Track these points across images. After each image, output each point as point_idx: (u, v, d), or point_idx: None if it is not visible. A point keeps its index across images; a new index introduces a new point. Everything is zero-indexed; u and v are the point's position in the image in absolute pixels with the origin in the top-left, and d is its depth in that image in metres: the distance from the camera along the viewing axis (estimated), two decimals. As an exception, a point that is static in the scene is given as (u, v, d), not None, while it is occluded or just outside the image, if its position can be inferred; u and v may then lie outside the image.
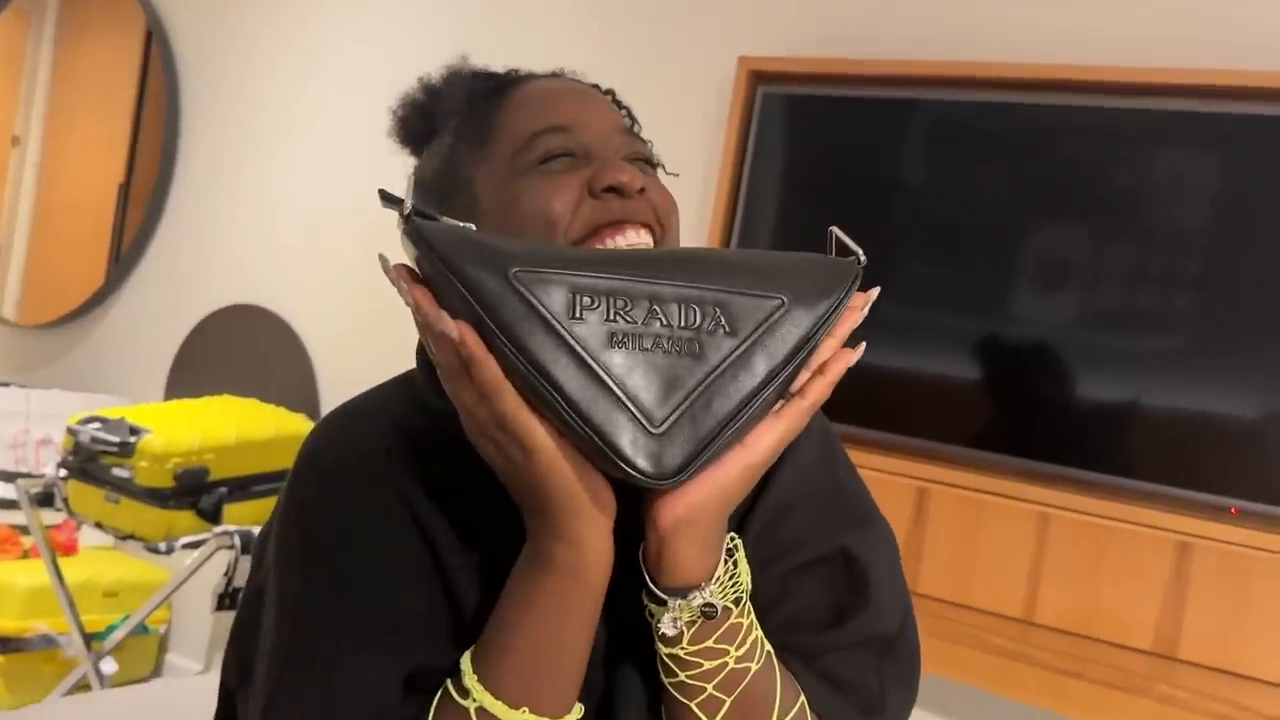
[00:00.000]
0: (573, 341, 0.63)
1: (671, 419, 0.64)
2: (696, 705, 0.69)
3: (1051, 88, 1.87)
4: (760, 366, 0.66)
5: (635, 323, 0.65)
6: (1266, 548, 1.65)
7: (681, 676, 0.69)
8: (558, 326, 0.63)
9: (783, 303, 0.68)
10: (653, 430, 0.63)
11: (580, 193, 0.76)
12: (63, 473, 2.20)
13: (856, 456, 1.97)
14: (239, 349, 2.82)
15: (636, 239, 0.77)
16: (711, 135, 2.21)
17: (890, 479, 1.93)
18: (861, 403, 2.00)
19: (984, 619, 1.84)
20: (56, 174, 3.43)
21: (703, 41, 2.27)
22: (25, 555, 2.55)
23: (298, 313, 2.73)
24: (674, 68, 2.30)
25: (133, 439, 2.12)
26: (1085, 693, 1.67)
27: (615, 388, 0.63)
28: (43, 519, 2.32)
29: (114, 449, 2.12)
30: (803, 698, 0.74)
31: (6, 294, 3.44)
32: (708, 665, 0.68)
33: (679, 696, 0.70)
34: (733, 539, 0.71)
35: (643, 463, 0.63)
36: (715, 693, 0.69)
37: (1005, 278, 1.93)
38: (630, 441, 0.63)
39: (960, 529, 1.91)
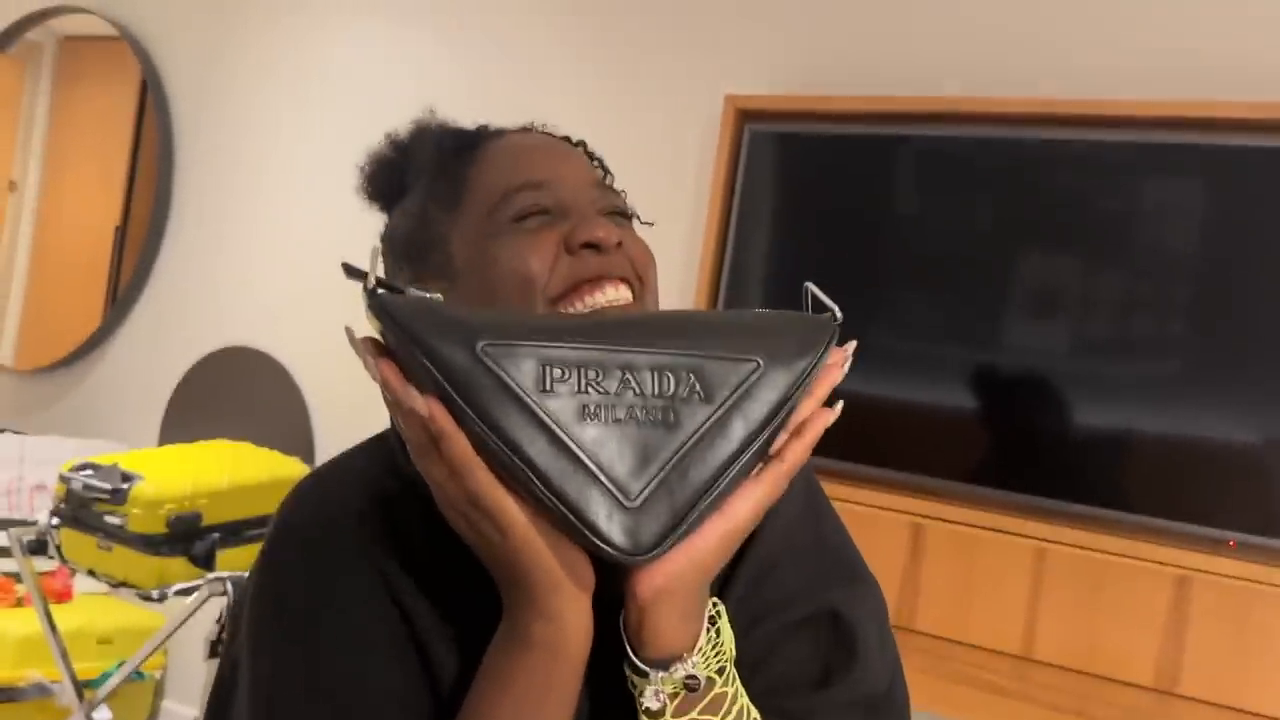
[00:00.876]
0: (544, 416, 0.62)
1: (647, 491, 0.62)
2: None
3: (1037, 121, 1.88)
4: (737, 432, 0.64)
5: (608, 393, 0.63)
6: (1267, 581, 1.64)
7: None
8: (528, 401, 0.62)
9: (758, 365, 0.66)
10: (628, 504, 0.62)
11: (557, 250, 0.76)
12: (55, 520, 2.18)
13: (850, 492, 1.98)
14: (233, 392, 2.81)
15: (615, 294, 0.76)
16: (699, 174, 2.22)
17: (884, 514, 1.92)
18: (854, 437, 1.99)
19: (981, 655, 1.82)
20: (53, 218, 3.44)
21: (689, 81, 2.28)
22: (19, 603, 2.53)
23: (291, 355, 2.74)
24: (660, 107, 2.31)
25: (125, 486, 2.11)
26: (1086, 731, 1.65)
27: (589, 462, 0.62)
28: (35, 567, 2.31)
29: (106, 496, 2.11)
30: None
31: (4, 340, 3.44)
32: None
33: None
34: (715, 605, 0.70)
35: (619, 538, 0.61)
36: None
37: (997, 308, 1.93)
38: (605, 517, 0.61)
39: (956, 564, 1.89)
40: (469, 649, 0.71)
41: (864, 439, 1.99)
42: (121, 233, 3.21)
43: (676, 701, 0.66)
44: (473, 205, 0.78)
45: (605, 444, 0.62)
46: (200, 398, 2.89)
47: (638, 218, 0.85)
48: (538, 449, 0.61)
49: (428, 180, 0.82)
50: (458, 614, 0.73)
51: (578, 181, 0.79)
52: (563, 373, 0.63)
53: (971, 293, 1.95)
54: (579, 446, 0.62)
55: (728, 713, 0.67)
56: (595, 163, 0.86)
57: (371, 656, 0.72)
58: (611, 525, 0.61)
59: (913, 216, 2.04)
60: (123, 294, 3.13)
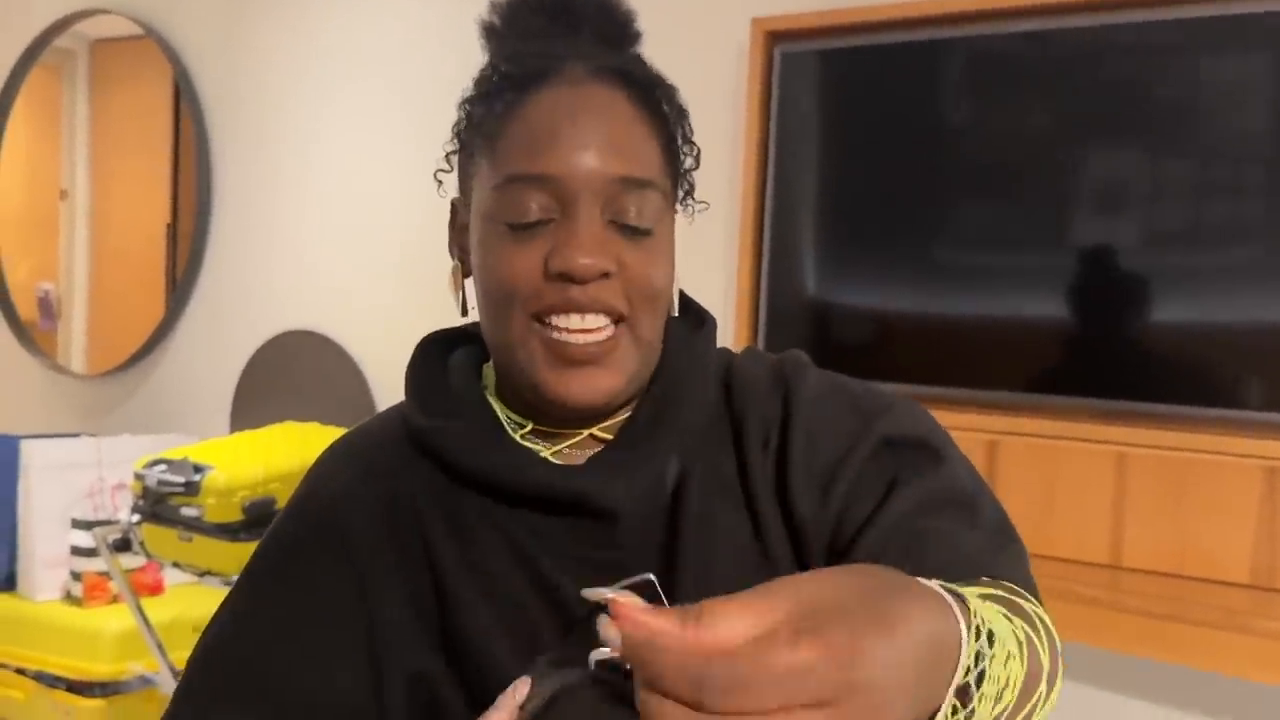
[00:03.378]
0: None
1: None
2: None
3: (1087, 7, 1.78)
4: None
5: None
6: (1363, 464, 1.57)
7: None
8: None
9: None
10: None
11: (541, 266, 0.72)
12: (136, 517, 2.23)
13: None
14: (295, 375, 2.84)
15: (582, 323, 0.72)
16: (732, 105, 2.16)
17: (957, 435, 1.86)
18: (922, 358, 1.94)
19: (1069, 568, 1.78)
20: (105, 223, 3.50)
21: (710, 7, 2.21)
22: (114, 600, 2.60)
23: (347, 333, 2.76)
24: (683, 40, 2.25)
25: (197, 477, 2.14)
26: (1184, 635, 1.60)
27: None
28: (123, 564, 2.36)
29: (180, 489, 2.14)
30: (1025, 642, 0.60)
31: (74, 347, 3.52)
32: None
33: None
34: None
35: None
36: None
37: (1062, 210, 1.85)
38: None
39: (1036, 478, 1.84)
40: (493, 603, 0.73)
41: (931, 360, 1.94)
42: (173, 230, 3.24)
43: None
44: (492, 161, 0.75)
45: None
46: (265, 384, 2.92)
47: (690, 201, 0.81)
48: None
49: (483, 103, 0.77)
50: (478, 572, 0.74)
51: (591, 178, 0.72)
52: None
53: (1034, 197, 1.88)
54: None
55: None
56: (659, 118, 0.76)
57: (307, 656, 0.75)
58: None
59: (965, 124, 1.96)
60: (180, 289, 3.17)
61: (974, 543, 0.72)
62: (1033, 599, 0.71)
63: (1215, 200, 1.75)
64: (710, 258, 2.22)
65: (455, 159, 0.80)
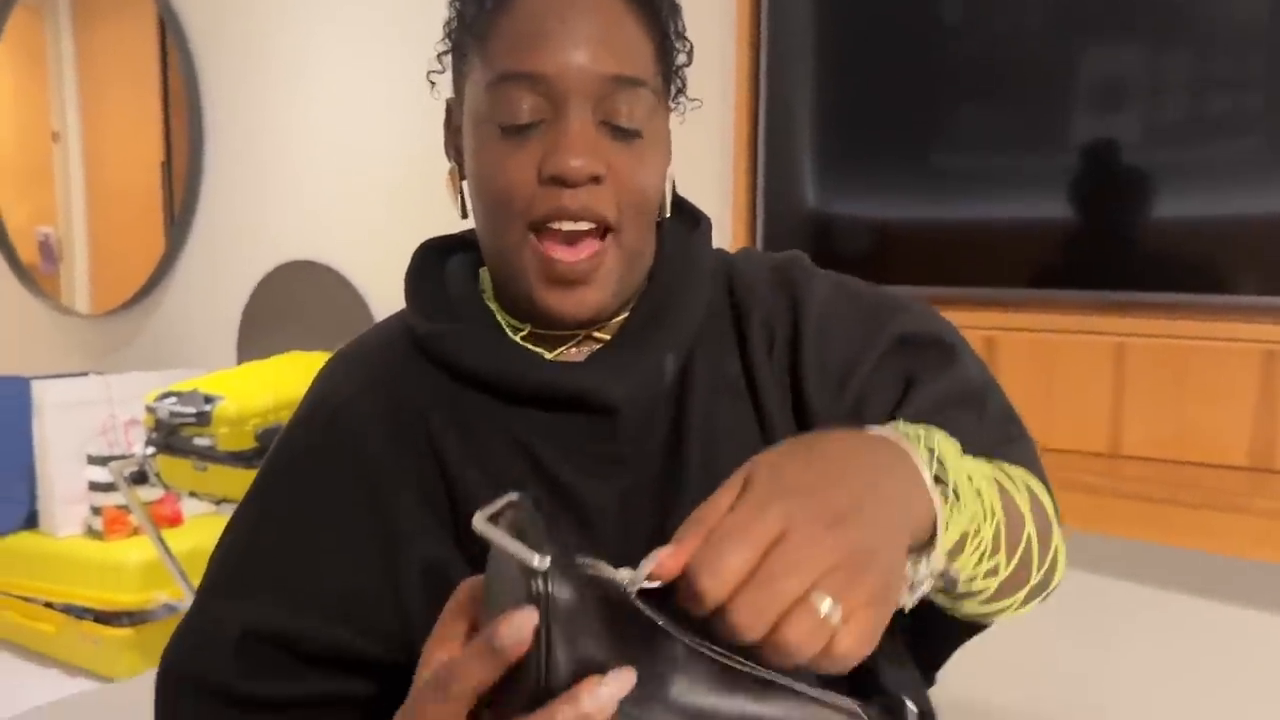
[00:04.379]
0: None
1: None
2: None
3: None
4: None
5: None
6: (1359, 344, 1.58)
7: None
8: None
9: None
10: None
11: (534, 172, 0.72)
12: (150, 450, 2.26)
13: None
14: (299, 306, 2.85)
15: (573, 225, 0.73)
16: (720, 11, 2.13)
17: (956, 333, 1.88)
18: (922, 261, 1.95)
19: (1069, 459, 1.80)
20: (100, 163, 3.48)
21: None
22: (135, 532, 2.65)
23: (348, 261, 2.76)
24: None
25: (208, 408, 2.17)
26: (1182, 518, 1.63)
27: None
28: (141, 496, 2.40)
29: (192, 420, 2.18)
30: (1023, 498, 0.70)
31: (77, 287, 3.53)
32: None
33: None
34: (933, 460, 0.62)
35: None
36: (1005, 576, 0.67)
37: (1060, 108, 1.83)
38: None
39: (1035, 373, 1.86)
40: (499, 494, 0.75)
41: (931, 262, 1.94)
42: (168, 166, 3.23)
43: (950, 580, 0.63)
44: (483, 62, 0.74)
45: None
46: (269, 316, 2.94)
47: (681, 98, 0.81)
48: None
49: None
50: (483, 467, 0.76)
51: (582, 77, 0.71)
52: None
53: (1032, 96, 1.86)
54: None
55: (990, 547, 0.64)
56: (650, 13, 0.76)
57: (320, 546, 0.77)
58: None
59: (960, 24, 1.94)
60: (178, 225, 3.17)
61: (987, 436, 0.75)
62: (1039, 482, 0.77)
63: (1215, 92, 1.73)
64: (704, 174, 2.21)
65: (448, 59, 0.80)
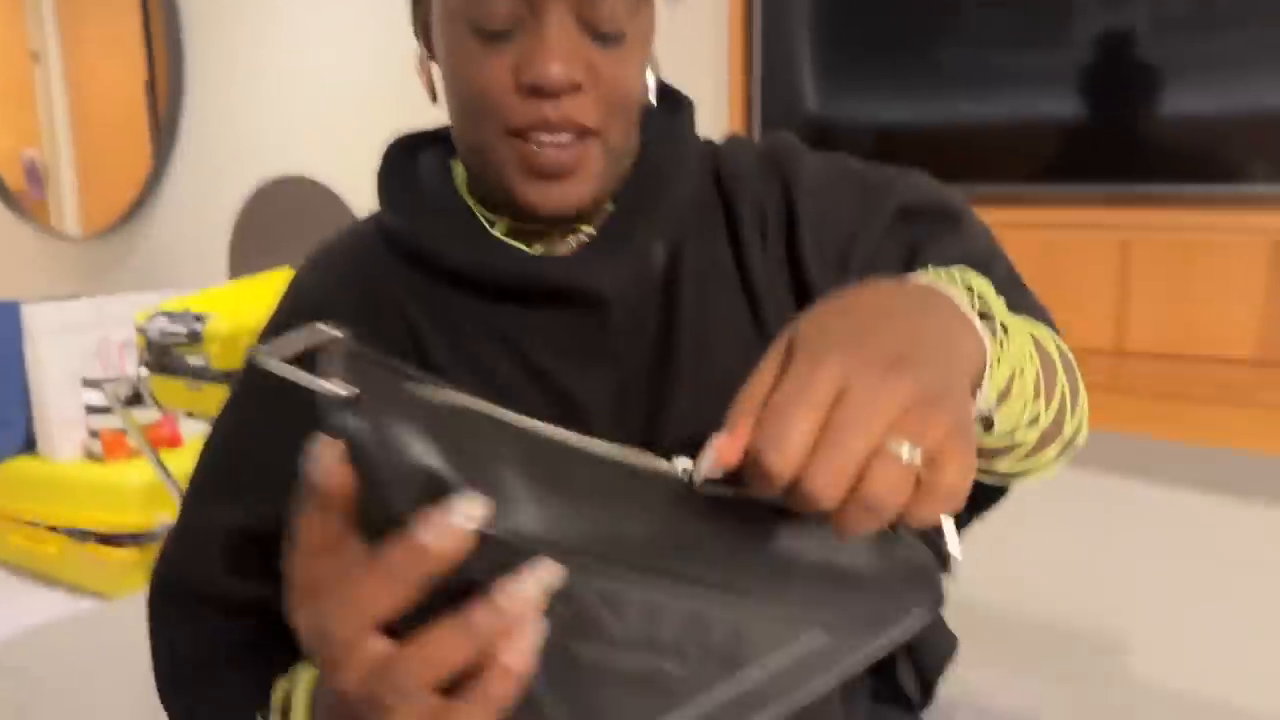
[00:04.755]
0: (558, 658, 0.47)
1: None
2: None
3: None
4: None
5: (617, 642, 0.47)
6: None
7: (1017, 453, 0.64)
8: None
9: (818, 634, 0.50)
10: None
11: (511, 79, 0.68)
12: (144, 371, 2.24)
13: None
14: (287, 222, 2.81)
15: (552, 139, 0.68)
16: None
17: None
18: (924, 161, 1.90)
19: (1075, 357, 1.78)
20: (82, 84, 3.41)
21: None
22: (135, 454, 2.64)
23: (335, 175, 2.71)
24: None
25: (199, 326, 2.14)
26: (1189, 413, 1.61)
27: None
28: (138, 418, 2.39)
29: (184, 339, 2.15)
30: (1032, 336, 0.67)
31: (65, 210, 3.48)
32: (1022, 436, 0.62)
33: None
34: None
35: None
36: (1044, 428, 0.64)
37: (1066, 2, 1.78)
38: None
39: (1039, 272, 1.81)
40: (488, 393, 0.72)
41: (934, 161, 1.90)
42: (151, 85, 3.16)
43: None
44: None
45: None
46: (258, 234, 2.90)
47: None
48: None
49: None
50: (471, 366, 0.74)
51: None
52: (568, 603, 0.46)
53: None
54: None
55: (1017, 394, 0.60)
56: None
57: (295, 453, 0.74)
58: None
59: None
60: (163, 144, 3.12)
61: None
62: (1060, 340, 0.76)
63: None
64: (699, 79, 2.15)
65: None
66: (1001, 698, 1.93)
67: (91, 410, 2.60)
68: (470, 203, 0.78)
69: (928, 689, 0.89)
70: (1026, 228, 1.81)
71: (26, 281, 3.46)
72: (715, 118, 2.10)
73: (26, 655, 1.62)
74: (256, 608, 0.73)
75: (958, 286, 0.57)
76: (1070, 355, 0.74)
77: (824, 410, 0.45)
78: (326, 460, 0.44)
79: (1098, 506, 1.87)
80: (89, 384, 2.55)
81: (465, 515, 0.43)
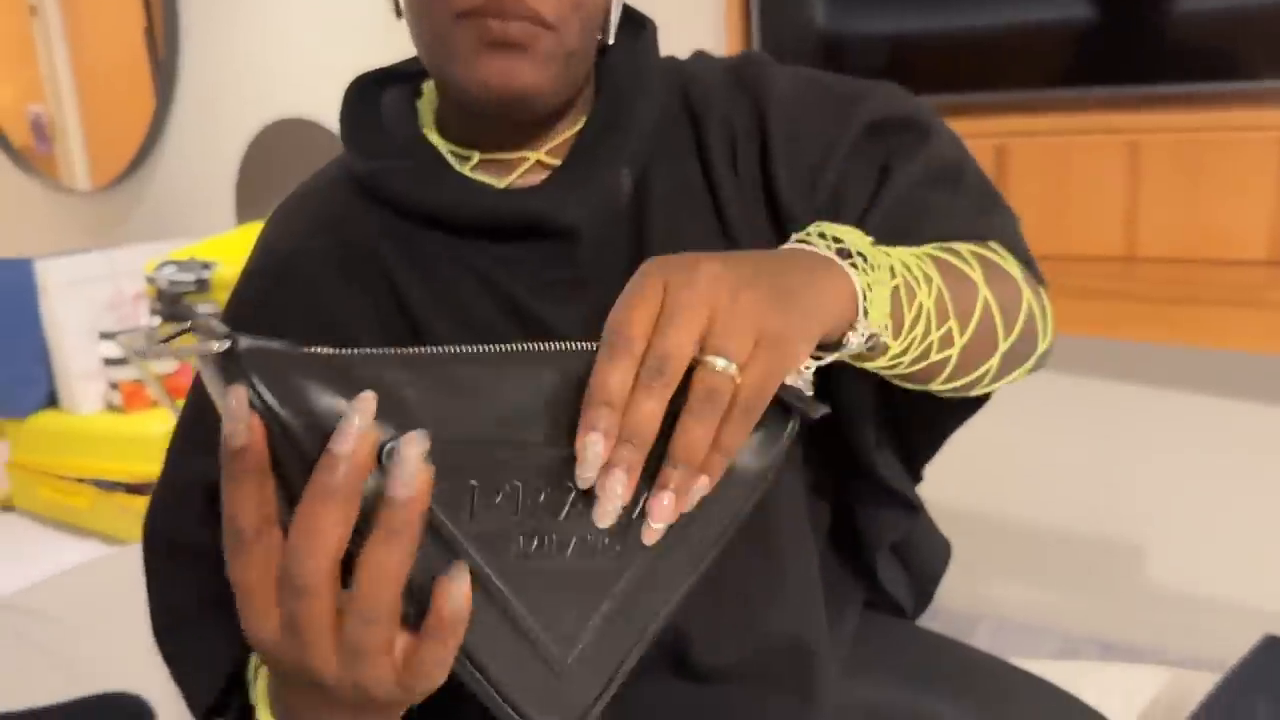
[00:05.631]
0: (476, 558, 0.49)
1: (576, 655, 0.50)
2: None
3: None
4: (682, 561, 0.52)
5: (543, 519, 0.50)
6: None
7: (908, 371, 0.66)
8: (451, 531, 0.49)
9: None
10: (555, 671, 0.50)
11: None
12: (156, 320, 2.26)
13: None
14: (292, 164, 2.80)
15: (511, 31, 0.66)
16: None
17: (967, 141, 1.80)
18: (933, 70, 1.86)
19: (1083, 265, 1.75)
20: (81, 36, 3.39)
21: None
22: (156, 404, 2.67)
23: (335, 117, 2.69)
24: None
25: (206, 274, 2.15)
26: (1197, 316, 1.59)
27: (531, 624, 0.50)
28: (156, 368, 2.41)
29: (192, 287, 2.16)
30: (977, 278, 0.69)
31: (75, 163, 3.48)
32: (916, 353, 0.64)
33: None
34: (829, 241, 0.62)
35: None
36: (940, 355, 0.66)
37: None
38: (538, 700, 0.50)
39: (1047, 177, 1.79)
40: (467, 331, 0.72)
41: (942, 70, 1.86)
42: (150, 34, 3.14)
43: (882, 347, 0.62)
44: None
45: (546, 594, 0.50)
46: (264, 177, 2.89)
47: None
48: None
49: None
50: (447, 304, 0.73)
51: None
52: (494, 492, 0.49)
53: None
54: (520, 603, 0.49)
55: (917, 306, 0.63)
56: None
57: None
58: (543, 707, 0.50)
59: None
60: (165, 92, 3.11)
61: (964, 212, 0.74)
62: (1008, 255, 0.76)
63: None
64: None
65: None
66: (1022, 609, 1.95)
67: (110, 362, 2.62)
68: (436, 140, 0.78)
69: (923, 596, 0.90)
70: (1035, 135, 1.77)
71: (37, 237, 3.47)
72: (715, 37, 2.06)
73: (56, 598, 1.66)
74: None
75: (812, 236, 0.62)
76: (1012, 266, 0.74)
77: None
78: (237, 410, 0.45)
79: (1111, 414, 1.86)
80: (105, 336, 2.57)
81: (360, 410, 0.45)
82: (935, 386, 0.68)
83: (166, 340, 0.47)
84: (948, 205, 0.74)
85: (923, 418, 0.79)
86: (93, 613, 1.57)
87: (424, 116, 0.80)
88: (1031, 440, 1.89)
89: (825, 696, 0.74)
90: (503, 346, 0.51)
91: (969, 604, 1.83)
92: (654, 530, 0.49)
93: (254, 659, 0.69)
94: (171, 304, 2.20)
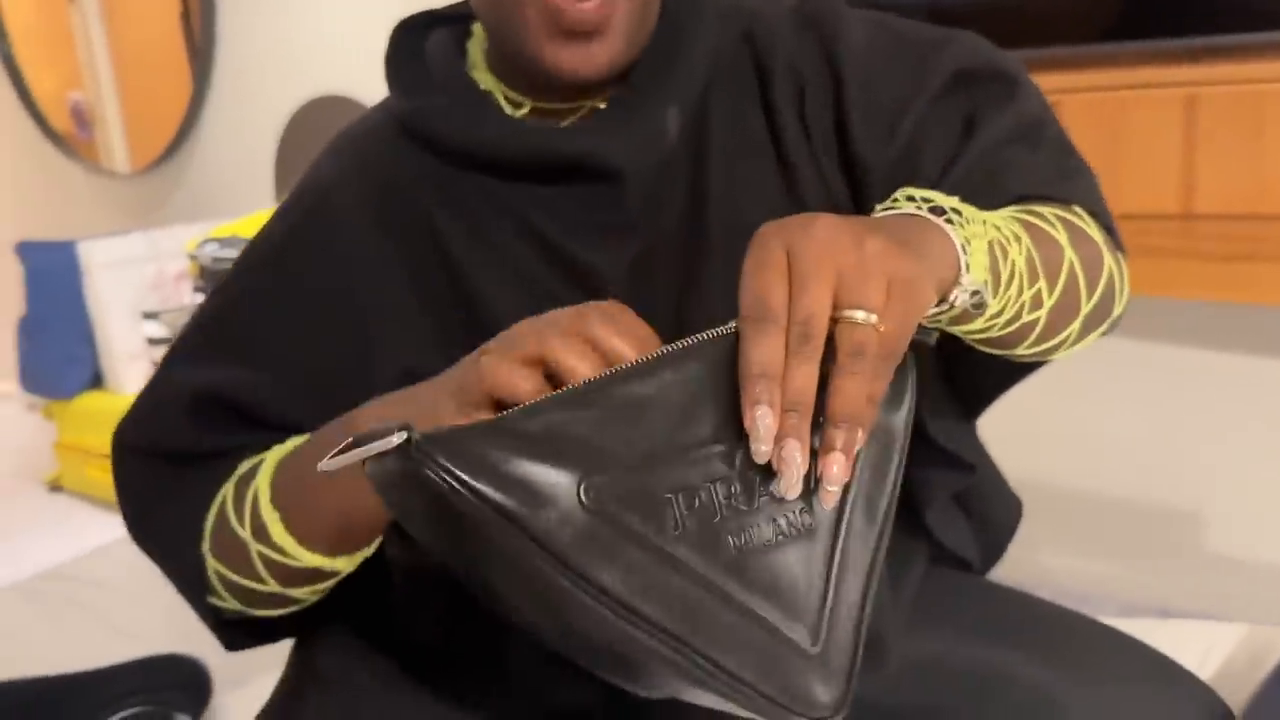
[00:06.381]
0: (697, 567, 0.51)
1: (824, 629, 0.51)
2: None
3: None
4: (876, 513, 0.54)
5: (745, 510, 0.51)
6: None
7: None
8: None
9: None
10: (812, 653, 0.51)
11: None
12: (199, 297, 2.26)
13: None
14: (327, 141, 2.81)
15: (583, 5, 0.66)
16: None
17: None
18: (979, 26, 1.82)
19: (1139, 223, 1.71)
20: (119, 22, 3.42)
21: None
22: (199, 384, 2.69)
23: (372, 93, 2.68)
24: None
25: (248, 250, 2.15)
26: (1259, 274, 1.54)
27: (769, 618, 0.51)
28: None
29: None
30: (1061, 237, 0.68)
31: (115, 147, 3.51)
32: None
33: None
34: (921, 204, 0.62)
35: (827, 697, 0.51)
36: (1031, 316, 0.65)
37: None
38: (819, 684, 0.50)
39: (1100, 135, 1.74)
40: (506, 279, 0.72)
41: (989, 26, 1.81)
42: (187, 18, 3.16)
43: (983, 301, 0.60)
44: None
45: (771, 581, 0.51)
46: (303, 155, 2.89)
47: None
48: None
49: None
50: (486, 249, 0.73)
51: None
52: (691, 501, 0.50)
53: None
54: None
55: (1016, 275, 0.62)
56: None
57: (293, 323, 0.76)
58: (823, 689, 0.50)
59: None
60: (203, 73, 3.12)
61: (1048, 171, 0.72)
62: (1091, 221, 0.74)
63: None
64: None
65: None
66: (1080, 578, 1.91)
67: (154, 342, 2.64)
68: (488, 82, 0.76)
69: (992, 548, 0.88)
70: (1086, 90, 1.73)
71: (80, 221, 3.50)
72: None
73: (109, 565, 1.68)
74: (213, 455, 0.75)
75: (900, 204, 0.61)
76: (1093, 229, 0.72)
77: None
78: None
79: (1168, 376, 1.82)
80: (149, 316, 2.58)
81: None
82: (1020, 351, 0.67)
83: (341, 452, 0.49)
84: (1031, 163, 0.72)
85: (978, 381, 0.78)
86: (146, 579, 1.58)
87: (473, 56, 0.79)
88: (1085, 406, 1.85)
89: (890, 651, 0.73)
90: (644, 356, 0.52)
91: (1026, 573, 1.80)
92: (830, 493, 0.49)
93: (246, 463, 0.71)
94: (214, 280, 2.21)
